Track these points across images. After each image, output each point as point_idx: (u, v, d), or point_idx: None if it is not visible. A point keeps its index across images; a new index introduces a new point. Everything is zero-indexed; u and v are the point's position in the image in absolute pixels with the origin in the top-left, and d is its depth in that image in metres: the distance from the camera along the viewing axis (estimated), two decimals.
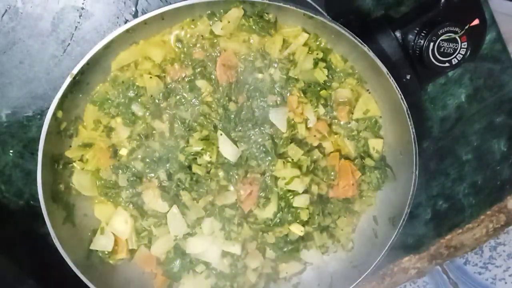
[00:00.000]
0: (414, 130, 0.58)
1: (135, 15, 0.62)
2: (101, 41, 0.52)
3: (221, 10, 0.56)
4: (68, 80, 0.53)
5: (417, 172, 0.59)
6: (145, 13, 0.61)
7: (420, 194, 0.61)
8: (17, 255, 0.66)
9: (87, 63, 0.53)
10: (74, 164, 0.59)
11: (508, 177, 0.79)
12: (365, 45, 0.55)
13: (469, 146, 0.76)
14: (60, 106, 0.54)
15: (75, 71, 0.53)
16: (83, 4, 0.61)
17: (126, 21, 0.62)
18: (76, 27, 0.61)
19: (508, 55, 0.73)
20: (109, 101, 0.58)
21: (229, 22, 0.56)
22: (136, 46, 0.57)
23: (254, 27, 0.57)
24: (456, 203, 0.79)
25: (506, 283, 0.81)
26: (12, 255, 0.66)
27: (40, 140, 0.54)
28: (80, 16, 0.61)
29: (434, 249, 0.82)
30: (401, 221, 0.61)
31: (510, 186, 0.80)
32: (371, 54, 0.55)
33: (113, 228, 0.61)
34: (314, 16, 0.54)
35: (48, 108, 0.62)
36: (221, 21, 0.56)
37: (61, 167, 0.59)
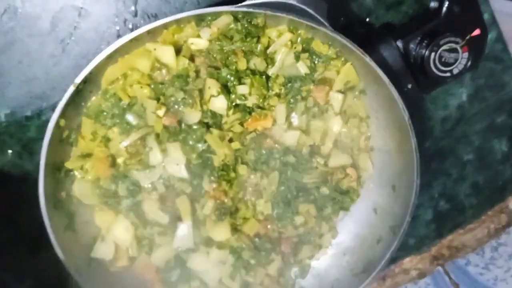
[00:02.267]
0: (415, 140, 0.58)
1: (135, 15, 0.61)
2: (104, 50, 0.52)
3: (209, 17, 0.56)
4: (71, 89, 0.53)
5: (418, 181, 0.59)
6: (145, 13, 0.61)
7: (421, 194, 0.61)
8: (17, 255, 0.66)
9: (90, 72, 0.53)
10: (75, 173, 0.59)
11: (509, 177, 0.79)
12: (367, 55, 0.55)
13: (470, 146, 0.76)
14: (62, 115, 0.54)
15: (78, 80, 0.53)
16: (82, 3, 0.60)
17: (125, 21, 0.62)
18: (75, 26, 0.61)
19: (509, 55, 0.72)
20: (104, 113, 0.58)
21: (218, 28, 0.56)
22: (122, 59, 0.56)
23: (242, 31, 0.57)
24: (457, 204, 0.79)
25: (507, 284, 0.81)
26: (12, 256, 0.66)
27: (42, 149, 0.54)
28: (79, 15, 0.61)
29: (435, 250, 0.81)
30: (402, 230, 0.61)
31: (511, 186, 0.80)
32: (373, 64, 0.55)
33: (114, 236, 0.61)
34: (316, 27, 0.54)
35: (48, 107, 0.62)
36: (210, 27, 0.56)
37: (62, 175, 0.58)
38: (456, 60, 0.62)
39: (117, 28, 0.62)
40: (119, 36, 0.62)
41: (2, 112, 0.62)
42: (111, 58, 0.55)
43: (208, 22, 0.56)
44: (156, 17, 0.62)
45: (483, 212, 0.80)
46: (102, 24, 0.61)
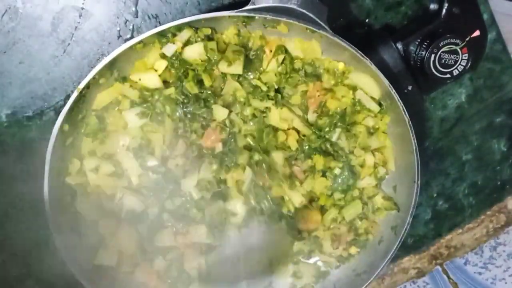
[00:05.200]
0: (416, 141, 0.58)
1: (136, 16, 0.62)
2: (107, 56, 0.53)
3: (169, 35, 0.56)
4: (74, 94, 0.54)
5: (419, 182, 0.60)
6: (145, 14, 0.61)
7: (420, 194, 0.61)
8: (20, 256, 0.66)
9: (93, 77, 0.53)
10: (77, 190, 0.60)
11: (508, 177, 0.79)
12: (367, 58, 0.55)
13: (469, 146, 0.76)
14: (66, 120, 0.54)
15: (81, 85, 0.53)
16: (83, 4, 0.60)
17: (126, 21, 0.62)
18: (76, 27, 0.61)
19: (508, 56, 0.72)
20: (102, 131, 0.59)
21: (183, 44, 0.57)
22: (113, 86, 0.58)
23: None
24: (456, 203, 0.79)
25: (506, 283, 0.81)
26: (13, 255, 0.66)
27: (47, 153, 0.54)
28: (80, 16, 0.61)
29: (434, 249, 0.82)
30: (403, 230, 0.62)
31: (510, 186, 0.80)
32: (373, 67, 0.56)
33: (117, 242, 0.61)
34: (316, 30, 0.54)
35: (49, 108, 0.63)
36: (173, 43, 0.57)
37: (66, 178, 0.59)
38: (456, 61, 0.62)
39: (118, 28, 0.62)
40: (119, 36, 0.62)
41: (3, 112, 0.62)
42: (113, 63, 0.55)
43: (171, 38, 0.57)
44: (156, 18, 0.62)
45: (481, 211, 0.81)
46: (103, 24, 0.62)
